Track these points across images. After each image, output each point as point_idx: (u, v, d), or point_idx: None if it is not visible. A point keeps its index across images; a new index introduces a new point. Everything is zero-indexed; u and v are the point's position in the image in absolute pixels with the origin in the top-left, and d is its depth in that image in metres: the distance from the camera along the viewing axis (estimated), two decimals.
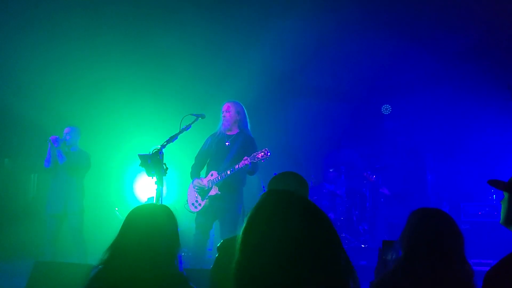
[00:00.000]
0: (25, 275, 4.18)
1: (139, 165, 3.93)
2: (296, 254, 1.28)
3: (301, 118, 8.78)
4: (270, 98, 8.47)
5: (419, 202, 6.29)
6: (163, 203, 3.58)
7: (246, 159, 4.95)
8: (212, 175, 5.27)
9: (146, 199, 6.36)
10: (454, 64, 7.90)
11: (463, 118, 8.14)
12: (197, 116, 4.69)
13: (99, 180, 7.32)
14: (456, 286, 2.24)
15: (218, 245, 2.86)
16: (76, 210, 6.19)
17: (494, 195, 7.35)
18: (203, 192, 5.27)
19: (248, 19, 7.62)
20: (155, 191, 3.83)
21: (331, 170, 8.07)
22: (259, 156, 4.90)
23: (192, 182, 5.40)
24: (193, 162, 5.57)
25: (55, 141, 6.13)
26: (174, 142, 4.30)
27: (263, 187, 7.16)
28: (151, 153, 3.88)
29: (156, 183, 3.86)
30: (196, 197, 5.32)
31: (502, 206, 2.27)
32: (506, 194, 2.24)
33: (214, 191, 5.20)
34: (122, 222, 2.27)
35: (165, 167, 3.90)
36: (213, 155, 5.38)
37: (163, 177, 3.90)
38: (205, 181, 5.29)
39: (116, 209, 7.48)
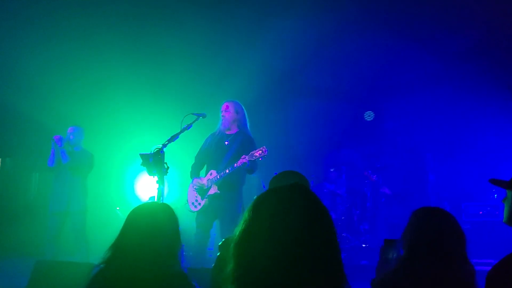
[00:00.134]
0: (26, 274, 4.18)
1: (141, 165, 3.94)
2: (297, 254, 1.28)
3: (301, 117, 8.78)
4: (270, 97, 8.48)
5: (419, 202, 6.28)
6: (164, 202, 3.59)
7: (244, 158, 4.97)
8: (211, 174, 5.29)
9: (147, 198, 6.37)
10: (454, 64, 7.90)
11: (464, 118, 8.14)
12: (198, 115, 4.70)
13: (100, 180, 7.32)
14: (457, 285, 2.24)
15: (219, 244, 2.86)
16: (79, 209, 6.22)
17: (495, 194, 7.35)
18: (202, 191, 5.29)
19: (248, 19, 7.62)
20: (157, 190, 3.83)
21: (331, 170, 8.07)
22: (257, 154, 4.91)
23: (192, 181, 5.42)
24: (193, 161, 5.59)
25: (59, 140, 6.17)
26: (175, 141, 4.31)
27: (264, 186, 7.17)
28: (152, 152, 3.89)
29: (157, 182, 3.87)
30: (196, 196, 5.34)
31: (505, 205, 2.27)
32: (509, 193, 2.24)
33: (213, 190, 5.21)
34: (123, 222, 2.27)
35: (166, 166, 3.91)
36: (213, 154, 5.40)
37: (164, 176, 3.90)
38: (204, 180, 5.30)
39: (118, 208, 7.49)
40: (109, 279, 2.14)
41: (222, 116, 5.43)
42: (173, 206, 2.38)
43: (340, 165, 8.22)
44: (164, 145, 4.05)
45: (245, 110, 5.53)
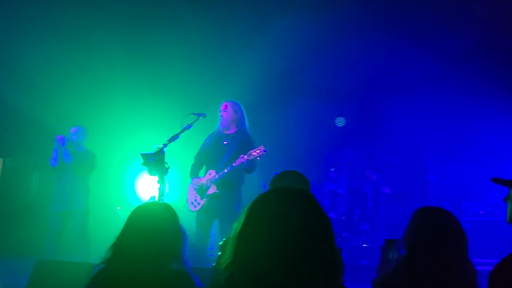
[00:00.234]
0: (27, 274, 4.17)
1: (141, 164, 3.94)
2: (296, 254, 1.28)
3: (302, 117, 8.78)
4: (270, 97, 8.47)
5: (420, 202, 6.29)
6: (165, 202, 3.59)
7: (243, 157, 4.97)
8: (210, 174, 5.29)
9: (148, 198, 6.37)
10: (454, 64, 7.90)
11: (464, 117, 8.14)
12: (199, 115, 4.71)
13: (100, 179, 7.32)
14: (458, 285, 2.24)
15: (220, 243, 2.86)
16: (81, 209, 6.22)
17: (496, 193, 7.35)
18: (201, 191, 5.29)
19: (248, 19, 7.63)
20: (157, 190, 3.84)
21: (332, 170, 8.07)
22: (255, 154, 4.92)
23: (191, 181, 5.43)
24: (193, 161, 5.60)
25: (62, 140, 6.17)
26: (175, 141, 4.32)
27: (264, 186, 7.17)
28: (153, 152, 3.90)
29: (158, 182, 3.87)
30: (195, 196, 5.35)
31: (508, 204, 2.26)
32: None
33: (212, 190, 5.22)
34: (124, 221, 2.27)
35: (166, 166, 3.91)
36: (211, 154, 5.40)
37: (165, 176, 3.91)
38: (203, 180, 5.31)
39: (118, 208, 7.49)
40: (109, 279, 2.14)
41: (221, 116, 5.44)
42: (173, 206, 2.38)
43: (340, 165, 8.22)
44: (165, 145, 4.06)
45: (243, 110, 5.53)
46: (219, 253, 2.79)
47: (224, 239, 2.95)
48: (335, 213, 7.70)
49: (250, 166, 5.10)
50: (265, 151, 4.90)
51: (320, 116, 8.77)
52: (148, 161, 3.87)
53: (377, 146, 8.67)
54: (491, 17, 7.21)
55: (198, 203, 5.31)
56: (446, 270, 2.23)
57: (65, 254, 6.10)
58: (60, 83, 7.57)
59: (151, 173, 3.92)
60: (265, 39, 7.59)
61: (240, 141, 5.33)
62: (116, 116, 7.90)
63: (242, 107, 5.53)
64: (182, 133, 4.42)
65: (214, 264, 2.79)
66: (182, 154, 6.46)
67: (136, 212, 2.29)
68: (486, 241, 6.83)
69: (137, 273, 2.09)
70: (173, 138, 4.29)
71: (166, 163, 3.93)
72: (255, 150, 4.94)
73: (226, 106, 5.45)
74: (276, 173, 3.03)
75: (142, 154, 3.96)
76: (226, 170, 5.12)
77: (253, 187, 7.17)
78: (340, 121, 8.49)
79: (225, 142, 5.37)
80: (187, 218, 5.70)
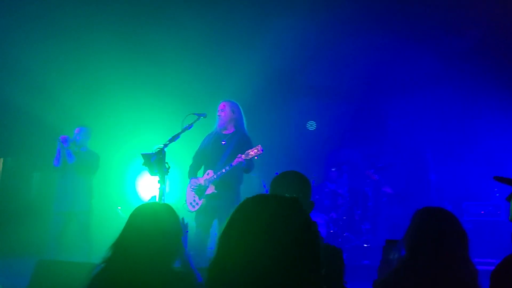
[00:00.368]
0: (27, 273, 4.18)
1: (142, 164, 3.94)
2: (297, 255, 1.28)
3: (302, 117, 8.78)
4: (270, 97, 8.47)
5: (421, 202, 6.28)
6: (166, 201, 3.60)
7: (240, 157, 4.98)
8: (208, 174, 5.30)
9: (148, 198, 6.38)
10: (454, 64, 7.90)
11: (464, 117, 8.14)
12: (199, 115, 4.71)
13: (101, 179, 7.32)
14: (458, 285, 2.24)
15: None
16: (83, 210, 6.24)
17: (497, 193, 7.35)
18: (200, 191, 5.30)
19: (248, 18, 7.63)
20: (158, 190, 3.84)
21: (333, 169, 8.06)
22: (252, 153, 4.92)
23: (190, 182, 5.43)
24: (191, 162, 5.60)
25: (65, 140, 6.18)
26: (176, 141, 4.32)
27: (264, 186, 7.17)
28: (154, 152, 3.90)
29: (158, 182, 3.87)
30: (194, 196, 5.35)
31: (511, 202, 2.26)
32: None
33: (210, 190, 5.23)
34: (125, 221, 2.27)
35: (167, 166, 3.92)
36: (210, 154, 5.41)
37: (166, 176, 3.91)
38: (201, 180, 5.32)
39: (119, 208, 7.49)
40: (109, 279, 2.14)
41: (219, 115, 5.44)
42: (174, 206, 2.39)
43: (341, 165, 8.21)
44: (166, 145, 4.06)
45: (241, 110, 5.52)
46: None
47: None
48: (336, 213, 7.70)
49: (248, 165, 5.11)
50: (262, 150, 4.90)
51: (320, 116, 8.77)
52: (148, 161, 3.87)
53: (378, 146, 8.67)
54: (491, 17, 7.21)
55: (197, 203, 5.31)
56: (447, 270, 2.23)
57: (66, 254, 6.11)
58: (61, 83, 7.57)
59: (151, 173, 3.93)
60: (265, 39, 7.59)
61: (238, 141, 5.33)
62: (117, 116, 7.90)
63: (240, 106, 5.53)
64: (182, 133, 4.42)
65: None
66: (182, 154, 6.46)
67: (137, 212, 2.29)
68: (487, 241, 6.83)
69: (137, 273, 2.10)
70: (174, 138, 4.29)
71: (166, 163, 3.94)
72: (252, 149, 4.95)
73: (223, 106, 5.45)
74: (276, 173, 3.02)
75: (142, 154, 3.96)
76: (224, 170, 5.13)
77: (253, 187, 7.17)
78: (311, 125, 8.48)
79: (223, 142, 5.37)
80: (187, 218, 5.69)
